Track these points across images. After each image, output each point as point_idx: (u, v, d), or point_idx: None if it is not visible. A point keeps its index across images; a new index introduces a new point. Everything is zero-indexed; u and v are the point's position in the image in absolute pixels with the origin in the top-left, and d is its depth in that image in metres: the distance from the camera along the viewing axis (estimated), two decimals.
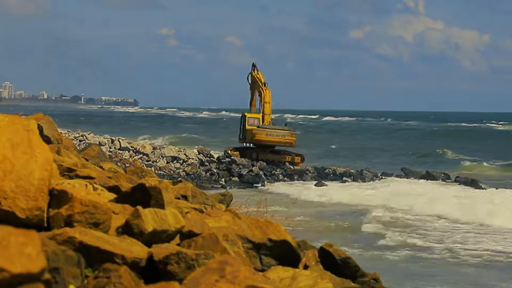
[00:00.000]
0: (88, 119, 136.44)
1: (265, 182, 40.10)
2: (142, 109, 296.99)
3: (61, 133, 21.79)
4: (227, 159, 42.36)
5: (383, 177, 44.00)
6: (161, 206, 6.77)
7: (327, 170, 44.20)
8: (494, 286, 17.99)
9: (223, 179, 39.99)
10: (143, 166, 34.68)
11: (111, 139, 44.95)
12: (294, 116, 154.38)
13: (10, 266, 3.63)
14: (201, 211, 9.31)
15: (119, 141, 44.14)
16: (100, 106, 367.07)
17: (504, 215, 27.81)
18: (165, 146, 46.60)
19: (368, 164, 50.03)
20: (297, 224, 25.49)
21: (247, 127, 44.36)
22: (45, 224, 5.67)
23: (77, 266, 5.00)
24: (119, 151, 42.15)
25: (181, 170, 40.67)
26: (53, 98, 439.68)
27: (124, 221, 6.36)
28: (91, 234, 5.64)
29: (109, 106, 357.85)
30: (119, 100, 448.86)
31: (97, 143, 39.81)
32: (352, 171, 45.01)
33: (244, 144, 45.89)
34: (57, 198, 5.83)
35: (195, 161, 41.92)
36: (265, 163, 42.96)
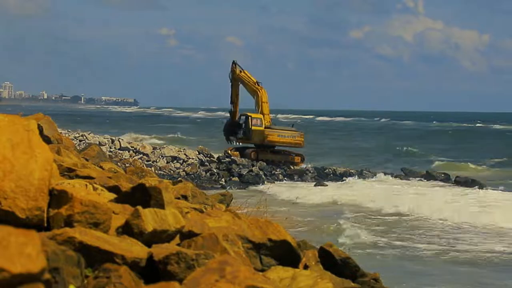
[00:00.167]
0: (86, 119, 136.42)
1: (265, 182, 40.10)
2: (140, 109, 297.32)
3: (61, 133, 21.79)
4: (227, 159, 42.36)
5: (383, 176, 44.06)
6: (161, 206, 6.77)
7: (327, 170, 44.25)
8: (491, 285, 18.01)
9: (223, 179, 39.99)
10: (143, 166, 34.68)
11: (111, 139, 44.96)
12: (286, 116, 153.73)
13: (10, 266, 3.63)
14: (201, 211, 9.31)
15: (119, 141, 44.14)
16: (98, 106, 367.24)
17: (492, 214, 27.99)
18: (164, 146, 46.59)
19: (326, 162, 50.01)
20: (297, 224, 25.50)
21: (253, 128, 44.30)
22: (45, 224, 5.67)
23: (77, 266, 5.00)
24: (119, 151, 42.14)
25: (181, 170, 40.67)
26: (53, 98, 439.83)
27: (124, 221, 6.36)
28: (91, 234, 5.64)
29: (107, 106, 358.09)
30: (119, 100, 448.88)
31: (97, 143, 39.80)
32: (352, 171, 45.09)
33: (236, 143, 46.08)
34: (57, 198, 5.83)
35: (195, 161, 41.91)
36: (265, 163, 42.97)
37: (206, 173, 40.62)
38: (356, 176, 43.51)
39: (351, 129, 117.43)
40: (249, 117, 44.83)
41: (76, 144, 35.08)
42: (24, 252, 3.70)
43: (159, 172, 38.54)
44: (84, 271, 5.17)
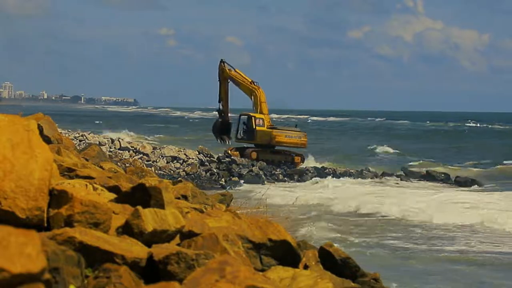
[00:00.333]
0: (76, 118, 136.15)
1: (265, 182, 40.10)
2: (138, 109, 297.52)
3: (61, 133, 21.79)
4: (227, 159, 42.36)
5: (384, 177, 44.05)
6: (161, 206, 6.77)
7: (327, 170, 44.29)
8: (491, 285, 18.01)
9: (223, 179, 39.99)
10: (143, 166, 34.67)
11: (111, 139, 44.95)
12: (279, 116, 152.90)
13: (10, 266, 3.62)
14: (201, 211, 9.31)
15: (119, 141, 44.14)
16: (98, 106, 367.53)
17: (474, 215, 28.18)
18: (165, 146, 46.61)
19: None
20: (297, 224, 25.47)
21: (257, 128, 44.24)
22: (45, 224, 5.67)
23: (77, 266, 5.00)
24: (119, 151, 42.13)
25: (181, 170, 40.67)
26: (53, 98, 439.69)
27: (124, 221, 6.36)
28: (91, 234, 5.64)
29: (107, 106, 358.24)
30: (119, 100, 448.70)
31: (97, 143, 39.80)
32: (352, 171, 45.11)
33: (229, 142, 46.15)
34: (57, 198, 5.83)
35: (195, 161, 41.90)
36: (265, 163, 42.97)
37: (206, 173, 40.61)
38: (353, 176, 43.50)
39: (340, 129, 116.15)
40: (252, 118, 44.67)
41: (76, 144, 35.09)
42: (24, 252, 3.70)
43: (159, 172, 38.53)
44: (84, 271, 5.17)
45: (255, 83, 44.94)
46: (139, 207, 6.38)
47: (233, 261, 4.95)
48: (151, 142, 56.70)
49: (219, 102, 46.65)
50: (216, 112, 47.84)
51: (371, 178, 43.26)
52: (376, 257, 20.46)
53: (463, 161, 57.03)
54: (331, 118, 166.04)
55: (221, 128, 46.67)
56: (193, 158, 42.26)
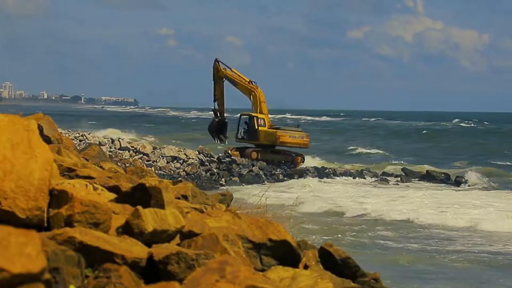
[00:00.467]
0: (72, 117, 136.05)
1: (265, 182, 40.12)
2: (136, 109, 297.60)
3: (61, 133, 21.79)
4: (227, 159, 42.37)
5: (383, 177, 44.05)
6: (161, 206, 6.77)
7: (327, 170, 44.33)
8: (491, 285, 18.03)
9: (223, 179, 39.99)
10: (143, 166, 34.67)
11: (111, 139, 44.97)
12: (273, 115, 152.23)
13: (10, 266, 3.63)
14: (201, 211, 9.31)
15: (119, 141, 44.16)
16: (98, 106, 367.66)
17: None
18: (165, 146, 46.62)
19: None
20: (297, 224, 25.48)
21: (260, 128, 44.22)
22: (45, 224, 5.68)
23: (77, 266, 5.01)
24: (119, 151, 42.15)
25: (181, 170, 40.67)
26: (53, 98, 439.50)
27: (124, 221, 6.36)
28: (91, 234, 5.64)
29: (107, 106, 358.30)
30: (119, 100, 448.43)
31: (97, 143, 39.81)
32: (352, 171, 45.17)
33: (226, 142, 46.19)
34: (57, 198, 5.83)
35: (195, 161, 41.91)
36: (265, 163, 42.98)
37: (206, 173, 40.62)
38: (353, 176, 43.55)
39: (328, 129, 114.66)
40: (255, 118, 44.61)
41: (76, 144, 35.08)
42: (24, 252, 3.70)
43: (159, 172, 38.53)
44: (84, 271, 5.17)
45: (253, 83, 44.90)
46: (139, 207, 6.38)
47: (233, 261, 4.95)
48: (137, 140, 56.50)
49: (214, 101, 46.61)
50: (212, 112, 47.85)
51: (371, 178, 43.32)
52: (375, 257, 20.48)
53: (446, 161, 56.87)
54: (324, 118, 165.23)
55: (218, 128, 46.64)
56: (193, 158, 42.26)
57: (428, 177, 44.06)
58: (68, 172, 9.46)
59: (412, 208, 29.71)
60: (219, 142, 47.31)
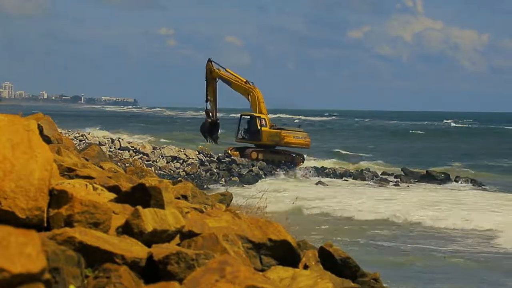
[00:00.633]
0: (67, 117, 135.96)
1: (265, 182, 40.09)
2: (135, 109, 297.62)
3: (61, 133, 21.79)
4: (227, 159, 42.36)
5: (383, 176, 44.05)
6: (161, 206, 6.77)
7: (327, 170, 44.35)
8: (491, 284, 18.03)
9: (223, 179, 39.99)
10: (143, 166, 34.67)
11: (111, 139, 44.97)
12: (270, 116, 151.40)
13: (10, 266, 3.63)
14: (201, 211, 9.31)
15: (119, 141, 44.16)
16: (98, 106, 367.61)
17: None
18: (165, 146, 46.62)
19: None
20: (297, 224, 25.48)
21: (263, 129, 44.14)
22: (45, 224, 5.68)
23: (77, 266, 5.01)
24: (119, 151, 42.14)
25: (181, 170, 40.67)
26: (53, 98, 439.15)
27: (124, 221, 6.36)
28: (91, 234, 5.64)
29: (107, 106, 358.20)
30: (119, 100, 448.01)
31: (97, 143, 39.81)
32: (352, 171, 45.18)
33: (218, 143, 46.19)
34: (57, 198, 5.84)
35: (195, 161, 41.91)
36: (265, 163, 42.97)
37: (206, 173, 40.62)
38: (353, 176, 43.58)
39: (316, 129, 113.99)
40: (257, 118, 44.50)
41: (76, 144, 35.09)
42: (24, 252, 3.70)
43: (159, 172, 38.52)
44: (84, 271, 5.17)
45: (250, 83, 44.76)
46: (139, 207, 6.39)
47: (233, 261, 4.95)
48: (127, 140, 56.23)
49: (206, 102, 46.42)
50: (204, 112, 47.67)
51: (371, 178, 43.31)
52: (375, 257, 20.48)
53: (447, 161, 56.74)
54: (317, 118, 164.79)
55: (210, 128, 46.50)
56: (193, 158, 42.26)
57: (428, 177, 44.03)
58: (68, 172, 9.46)
59: (412, 208, 29.71)
60: (211, 143, 47.17)
